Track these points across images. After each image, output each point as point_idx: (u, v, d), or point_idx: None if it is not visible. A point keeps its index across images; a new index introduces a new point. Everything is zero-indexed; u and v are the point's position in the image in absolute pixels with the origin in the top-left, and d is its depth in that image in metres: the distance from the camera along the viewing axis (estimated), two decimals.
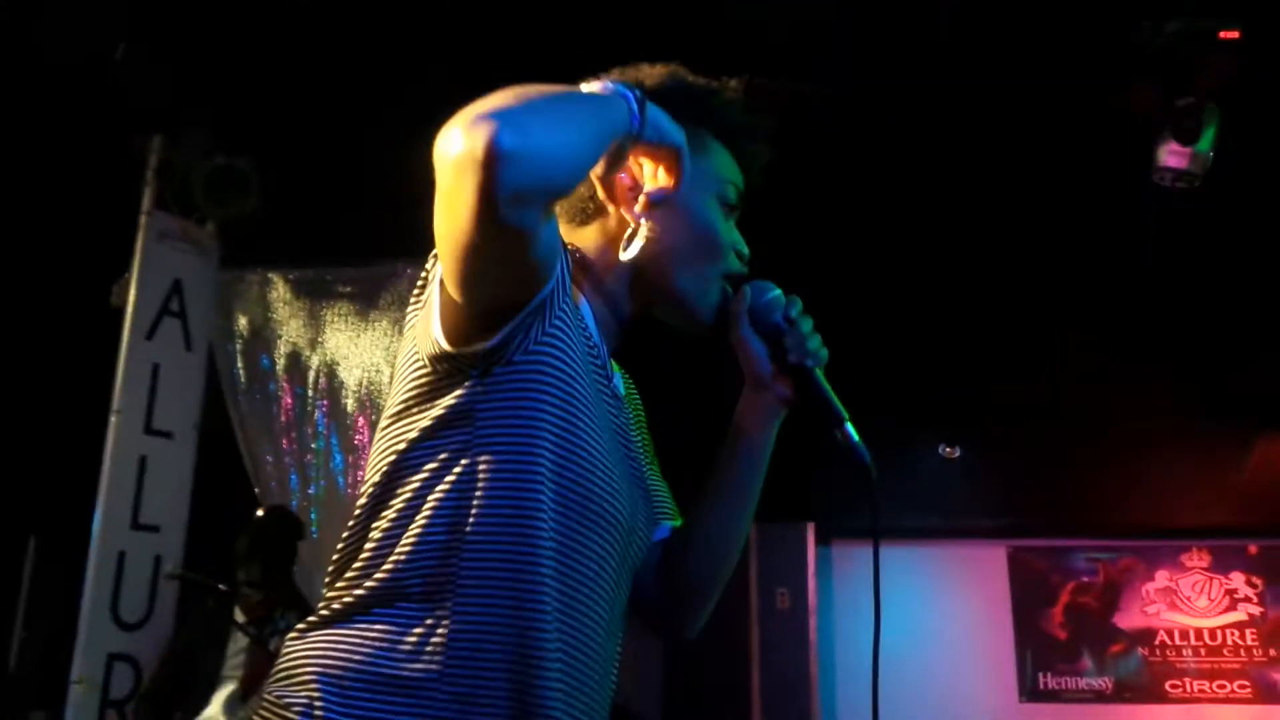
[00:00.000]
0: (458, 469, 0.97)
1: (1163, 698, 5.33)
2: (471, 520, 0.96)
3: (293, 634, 1.04)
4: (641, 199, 1.08)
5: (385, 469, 1.01)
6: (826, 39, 3.13)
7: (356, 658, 0.95)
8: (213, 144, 3.69)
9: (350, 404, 3.99)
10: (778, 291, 1.17)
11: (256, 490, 3.97)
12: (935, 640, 5.34)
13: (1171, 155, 3.39)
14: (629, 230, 1.09)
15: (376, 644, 0.95)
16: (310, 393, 3.98)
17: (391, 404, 1.04)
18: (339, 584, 1.01)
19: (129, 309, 3.68)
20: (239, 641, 3.14)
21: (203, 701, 3.08)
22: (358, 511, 1.03)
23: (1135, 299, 4.28)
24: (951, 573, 5.57)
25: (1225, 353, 4.62)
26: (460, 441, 0.97)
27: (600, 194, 1.12)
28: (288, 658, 1.01)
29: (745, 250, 1.17)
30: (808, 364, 1.15)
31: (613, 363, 1.17)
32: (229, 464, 3.93)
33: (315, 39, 3.33)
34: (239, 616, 3.18)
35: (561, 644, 0.97)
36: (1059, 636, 5.48)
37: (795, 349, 1.15)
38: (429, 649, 0.94)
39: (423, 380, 1.00)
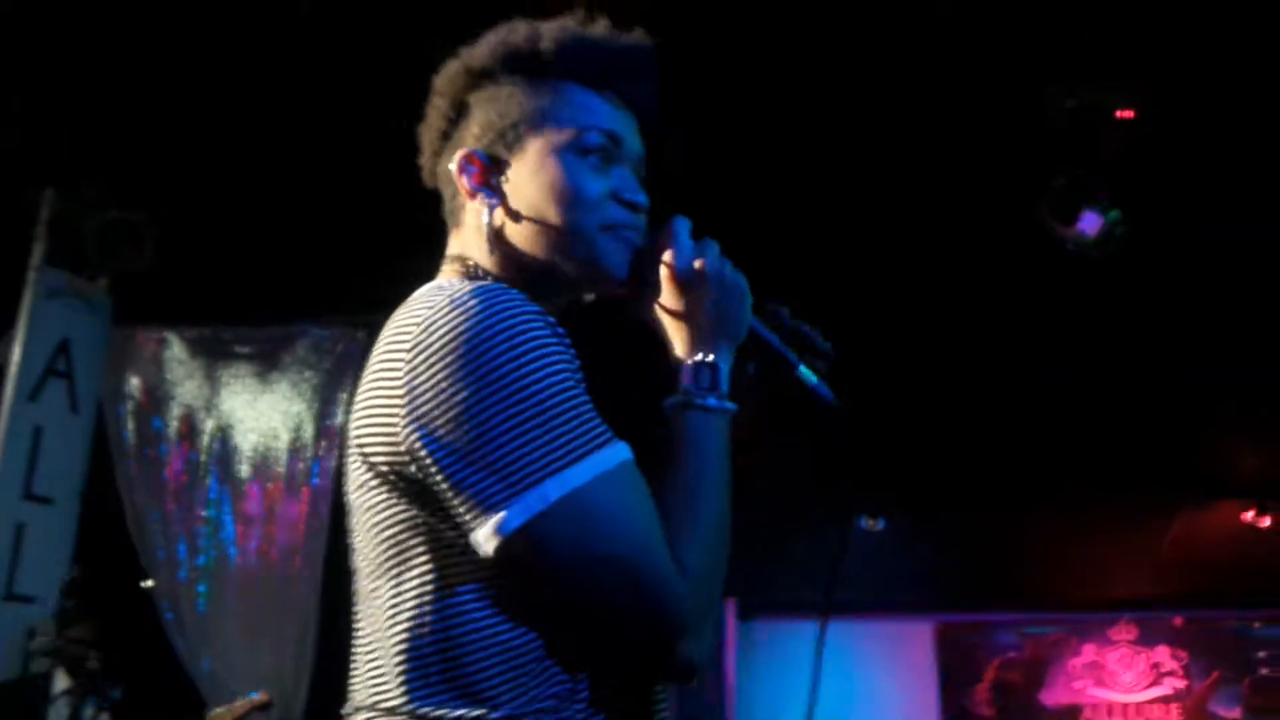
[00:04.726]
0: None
1: None
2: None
3: None
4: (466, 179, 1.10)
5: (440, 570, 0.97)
6: None
7: None
8: (107, 198, 3.75)
9: (244, 470, 4.02)
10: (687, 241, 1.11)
11: (142, 559, 3.96)
12: (860, 717, 5.37)
13: (1083, 222, 3.66)
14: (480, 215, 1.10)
15: None
16: (203, 457, 4.00)
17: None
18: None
19: (13, 369, 3.69)
20: (59, 713, 3.01)
21: None
22: (406, 607, 0.98)
23: (1056, 372, 4.45)
24: (878, 648, 5.66)
25: (1145, 427, 4.80)
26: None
27: (459, 190, 1.12)
28: None
29: (635, 197, 1.12)
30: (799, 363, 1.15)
31: None
32: (112, 531, 3.92)
33: (213, 91, 3.41)
34: (62, 683, 3.06)
35: None
36: (985, 714, 5.58)
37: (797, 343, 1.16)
38: None
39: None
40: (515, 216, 1.09)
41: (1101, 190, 3.65)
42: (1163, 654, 5.65)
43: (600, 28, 1.13)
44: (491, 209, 1.09)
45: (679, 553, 0.95)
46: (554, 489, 0.90)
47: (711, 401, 1.06)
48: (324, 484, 4.06)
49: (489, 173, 1.11)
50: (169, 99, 3.43)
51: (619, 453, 0.95)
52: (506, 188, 1.10)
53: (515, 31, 1.13)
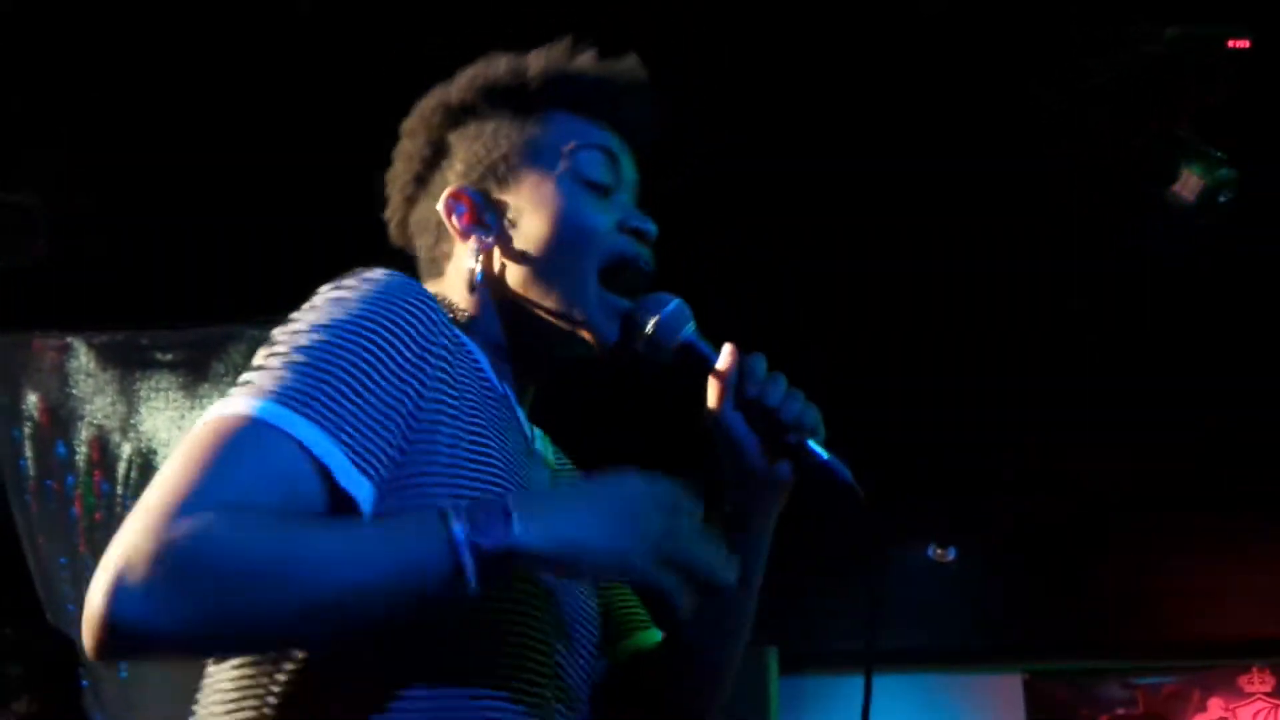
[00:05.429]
0: None
1: None
2: None
3: None
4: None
5: None
6: None
7: None
8: None
9: None
10: (675, 303, 1.11)
11: (48, 614, 3.54)
12: None
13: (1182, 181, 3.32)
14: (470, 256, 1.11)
15: None
16: (119, 489, 3.63)
17: None
18: None
19: None
20: None
21: None
22: None
23: (1175, 358, 4.08)
24: (953, 706, 5.29)
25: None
26: None
27: (447, 236, 1.14)
28: None
29: (643, 224, 1.11)
30: (806, 442, 1.10)
31: (541, 433, 1.20)
32: (12, 580, 3.57)
33: (127, 51, 3.15)
34: None
35: None
36: None
37: (790, 423, 1.10)
38: None
39: None
40: (512, 256, 1.10)
41: (1204, 140, 3.30)
42: None
43: (587, 56, 1.15)
44: (486, 250, 1.10)
45: (244, 518, 0.84)
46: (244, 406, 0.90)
47: (462, 554, 0.87)
48: None
49: (481, 211, 1.12)
50: (63, 64, 3.20)
51: (298, 425, 0.89)
52: (501, 226, 1.11)
53: (495, 65, 1.15)
